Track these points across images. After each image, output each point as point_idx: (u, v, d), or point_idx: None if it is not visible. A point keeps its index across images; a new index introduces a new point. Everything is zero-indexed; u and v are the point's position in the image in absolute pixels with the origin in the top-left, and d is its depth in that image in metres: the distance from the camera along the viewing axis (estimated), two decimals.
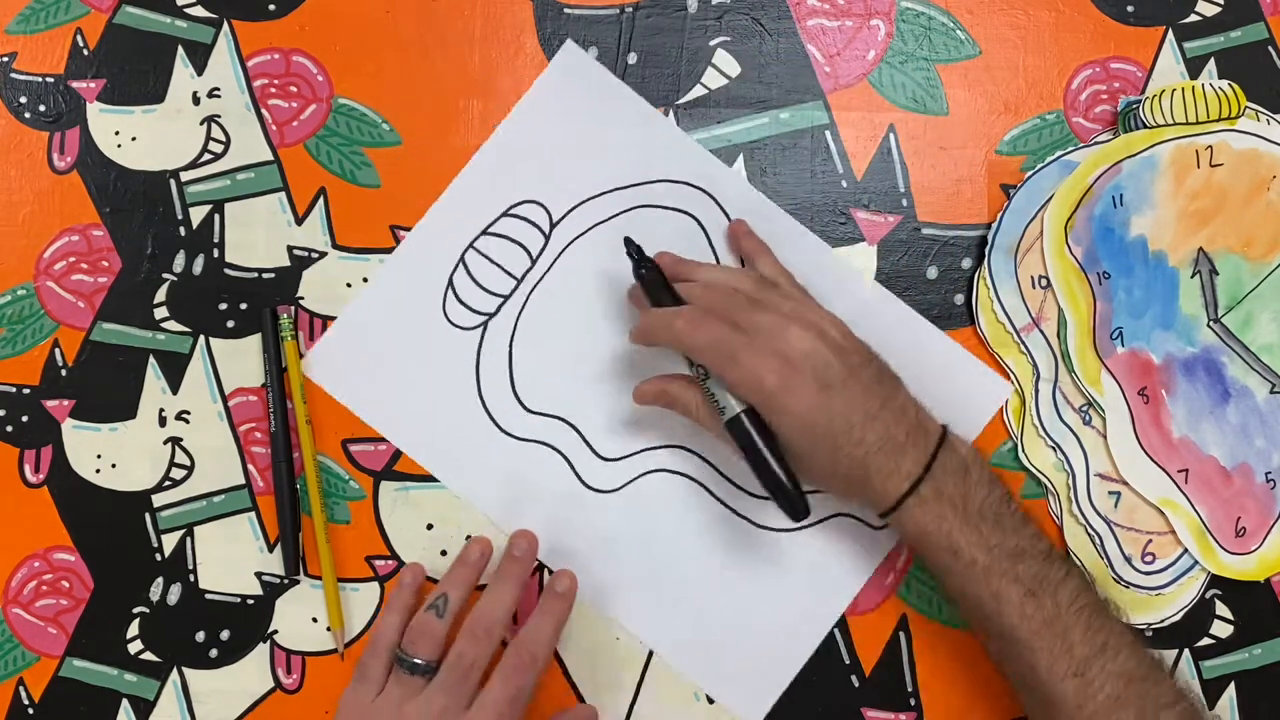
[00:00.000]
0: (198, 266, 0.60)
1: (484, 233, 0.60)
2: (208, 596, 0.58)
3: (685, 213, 0.60)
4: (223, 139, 0.61)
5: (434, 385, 0.59)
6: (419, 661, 0.52)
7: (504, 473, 0.58)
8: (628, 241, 0.55)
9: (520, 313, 0.59)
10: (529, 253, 0.60)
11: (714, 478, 0.58)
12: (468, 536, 0.58)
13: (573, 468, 0.59)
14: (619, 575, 0.58)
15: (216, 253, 0.60)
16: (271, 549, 0.59)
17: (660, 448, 0.59)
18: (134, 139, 0.61)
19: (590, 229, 0.60)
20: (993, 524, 0.50)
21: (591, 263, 0.60)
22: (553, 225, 0.60)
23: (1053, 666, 0.49)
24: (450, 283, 0.59)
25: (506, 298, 0.59)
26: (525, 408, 0.59)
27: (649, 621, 0.58)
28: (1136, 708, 0.48)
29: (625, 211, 0.60)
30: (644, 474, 0.59)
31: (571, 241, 0.60)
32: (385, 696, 0.52)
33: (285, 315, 0.59)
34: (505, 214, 0.60)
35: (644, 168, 0.60)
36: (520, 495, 0.58)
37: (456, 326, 0.59)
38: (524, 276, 0.60)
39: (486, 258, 0.60)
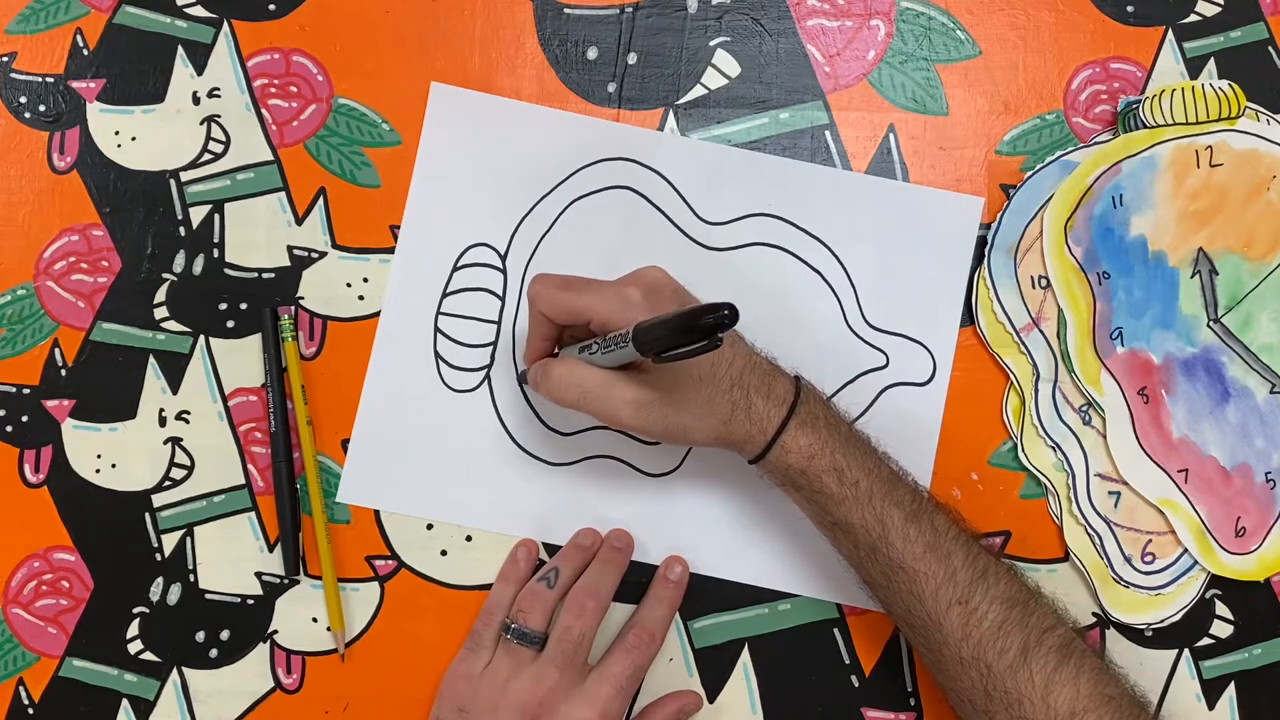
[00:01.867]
0: (198, 266, 0.60)
1: (445, 294, 0.60)
2: (208, 596, 0.58)
3: (618, 187, 0.60)
4: (223, 139, 0.61)
5: (471, 455, 0.59)
6: (529, 630, 0.53)
7: (571, 499, 0.59)
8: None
9: (513, 352, 0.59)
10: (495, 294, 0.60)
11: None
12: (468, 537, 0.58)
13: (628, 463, 0.59)
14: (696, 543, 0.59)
15: (216, 253, 0.60)
16: (271, 549, 0.59)
17: None
18: (134, 139, 0.61)
19: (538, 245, 0.60)
20: (865, 450, 0.51)
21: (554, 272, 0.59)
22: (503, 258, 0.60)
23: (938, 593, 0.49)
24: (437, 355, 0.59)
25: (495, 344, 0.60)
26: (562, 434, 0.59)
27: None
28: (1020, 633, 0.48)
29: (563, 212, 0.60)
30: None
31: (527, 265, 0.60)
32: (494, 668, 0.53)
33: (286, 316, 0.59)
34: (456, 268, 0.60)
35: (560, 163, 0.60)
36: (594, 509, 0.59)
37: (463, 392, 0.59)
38: (501, 318, 0.60)
39: (458, 316, 0.60)
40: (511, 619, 0.54)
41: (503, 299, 0.60)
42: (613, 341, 0.49)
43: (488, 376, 0.59)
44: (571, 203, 0.60)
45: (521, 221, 0.60)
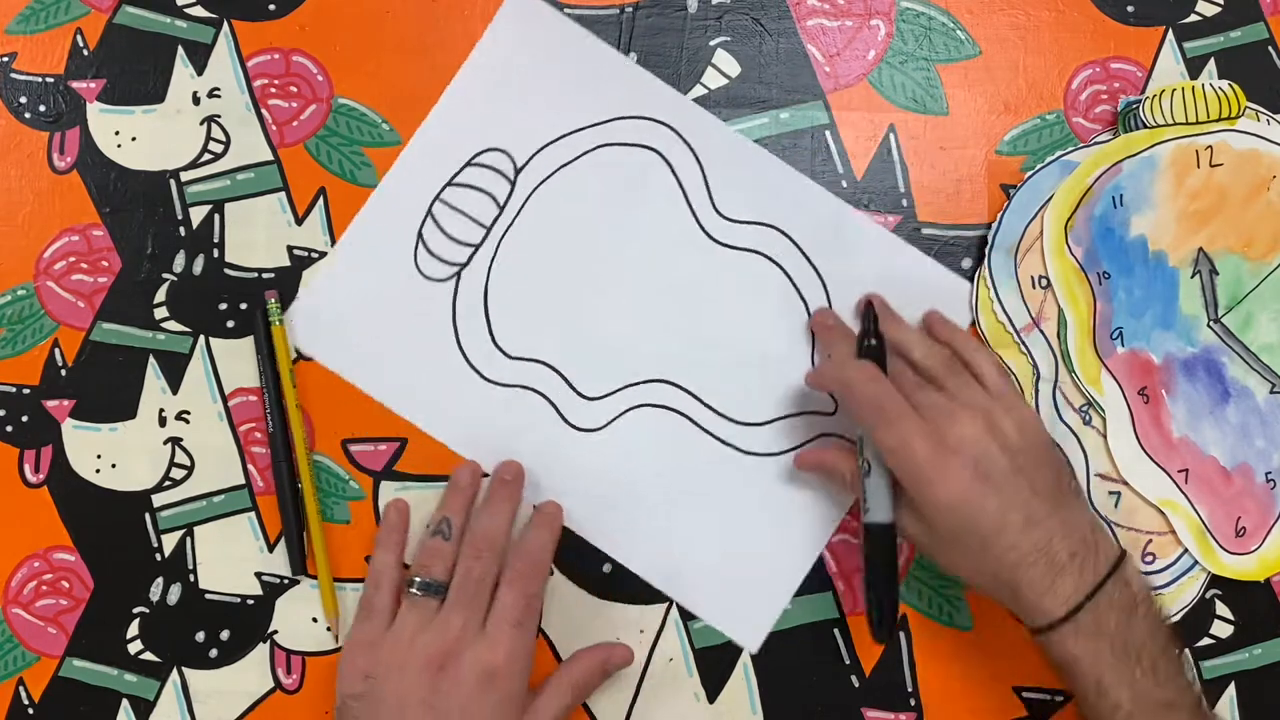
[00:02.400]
0: (198, 266, 0.60)
1: (449, 184, 0.60)
2: (208, 596, 0.58)
3: (648, 148, 0.60)
4: (223, 139, 0.61)
5: (412, 338, 0.59)
6: (436, 581, 0.53)
7: (489, 420, 0.59)
8: (867, 309, 0.55)
9: (493, 260, 0.59)
10: (496, 200, 0.60)
11: (696, 407, 0.59)
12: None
13: (557, 409, 0.59)
14: (609, 512, 0.58)
15: (216, 253, 0.60)
16: (271, 549, 0.59)
17: (641, 383, 0.59)
18: (134, 139, 0.61)
19: (555, 172, 0.60)
20: (1148, 669, 0.47)
21: (560, 206, 0.60)
22: (517, 171, 0.60)
23: None
24: (420, 235, 0.60)
25: (477, 247, 0.60)
26: (505, 354, 0.59)
27: (641, 555, 0.58)
28: None
29: (589, 152, 0.60)
30: (628, 410, 0.59)
31: (538, 186, 0.60)
32: (398, 627, 0.53)
33: (272, 300, 0.59)
34: (469, 164, 0.60)
35: (605, 106, 0.60)
36: (507, 441, 0.58)
37: (429, 279, 0.59)
38: (493, 225, 0.60)
39: (454, 208, 0.60)
40: (415, 573, 0.54)
41: (501, 208, 0.59)
42: (868, 498, 0.51)
43: (458, 275, 0.59)
44: (600, 146, 0.60)
45: (548, 145, 0.60)
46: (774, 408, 0.59)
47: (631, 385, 0.59)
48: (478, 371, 0.59)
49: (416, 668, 0.51)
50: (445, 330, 0.59)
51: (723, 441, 0.59)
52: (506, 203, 0.60)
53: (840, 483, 0.55)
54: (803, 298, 0.59)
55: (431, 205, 0.60)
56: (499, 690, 0.51)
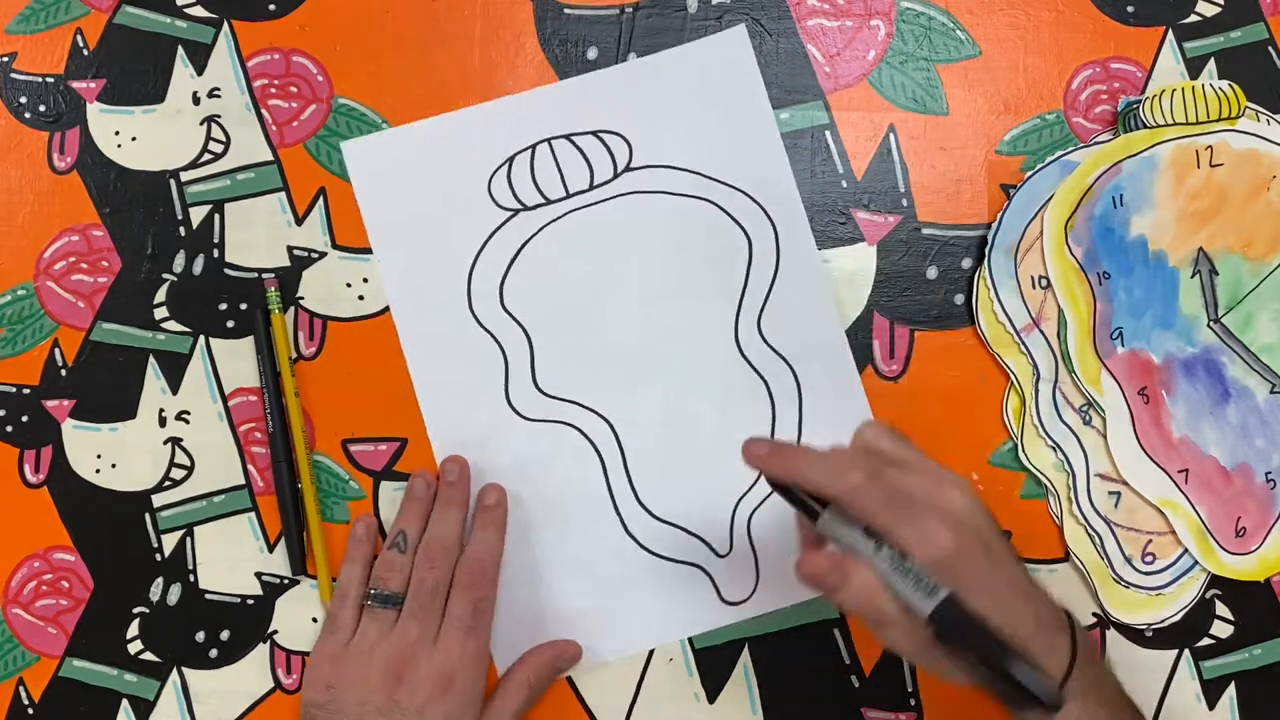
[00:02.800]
0: (198, 266, 0.60)
1: (567, 136, 0.60)
2: (208, 596, 0.58)
3: (743, 229, 0.60)
4: (223, 139, 0.61)
5: (441, 237, 0.60)
6: (390, 593, 0.54)
7: (461, 360, 0.59)
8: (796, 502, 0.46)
9: (549, 224, 0.60)
10: (592, 177, 0.60)
11: (618, 472, 0.59)
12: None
13: (506, 383, 0.59)
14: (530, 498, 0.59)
15: (216, 253, 0.60)
16: (271, 549, 0.59)
17: (588, 409, 0.59)
18: (134, 139, 0.61)
19: (654, 192, 0.60)
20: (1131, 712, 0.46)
21: (636, 219, 0.60)
22: (627, 168, 0.60)
23: None
24: (511, 159, 0.60)
25: (548, 203, 0.60)
26: (502, 303, 0.59)
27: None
28: None
29: (693, 198, 0.60)
30: (564, 423, 0.59)
31: (631, 192, 0.60)
32: (359, 639, 0.54)
33: (273, 290, 0.59)
34: (594, 132, 0.60)
35: (732, 169, 0.60)
36: (461, 387, 0.59)
37: (492, 199, 0.60)
38: (573, 195, 0.60)
39: (555, 159, 0.60)
40: (372, 586, 0.55)
41: (592, 187, 0.60)
42: (914, 587, 0.42)
43: (515, 215, 0.60)
44: (709, 200, 0.60)
45: (667, 167, 0.60)
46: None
47: (580, 406, 0.59)
48: (471, 306, 0.59)
49: (375, 677, 0.52)
50: (470, 252, 0.60)
51: (618, 512, 0.58)
52: (597, 186, 0.60)
53: (861, 597, 0.44)
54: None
55: (540, 143, 0.60)
56: (455, 695, 0.52)
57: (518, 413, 0.59)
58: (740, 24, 0.61)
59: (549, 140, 0.60)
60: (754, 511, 0.58)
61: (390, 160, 0.60)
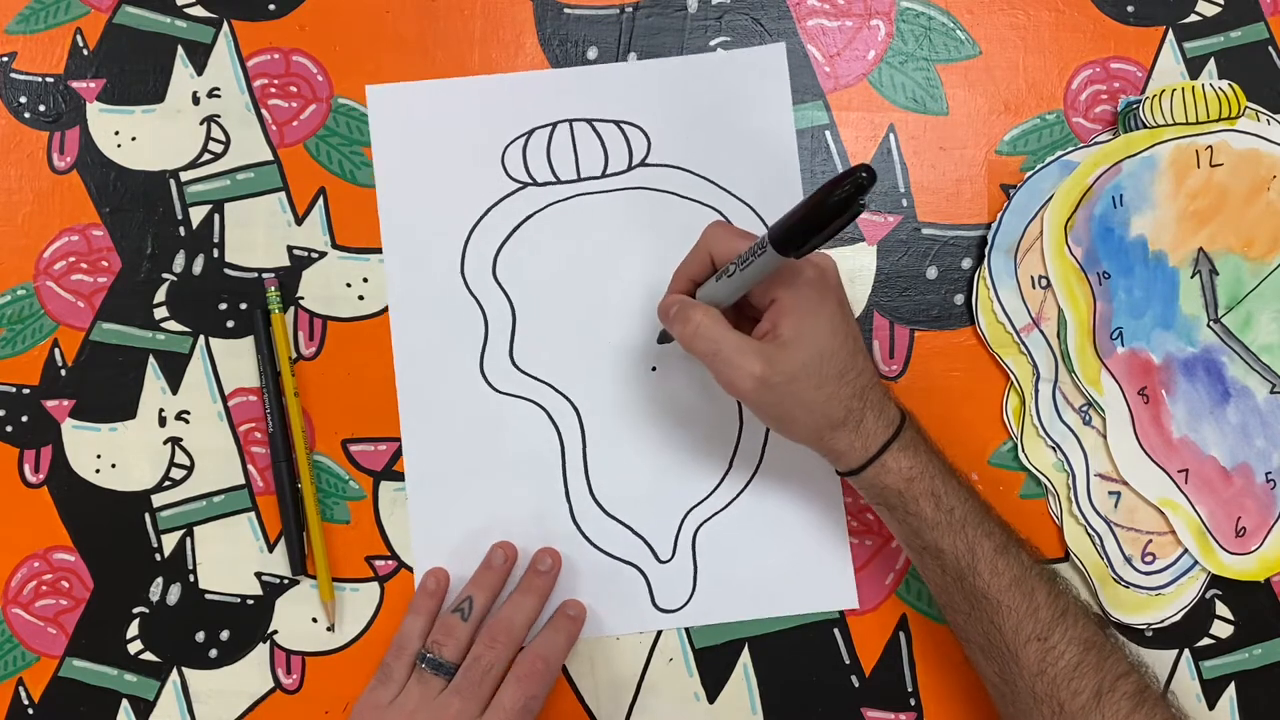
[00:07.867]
0: (198, 266, 0.60)
1: (590, 120, 0.60)
2: (208, 596, 0.58)
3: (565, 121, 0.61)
4: (223, 139, 0.61)
5: (447, 195, 0.60)
6: (444, 661, 0.53)
7: (443, 319, 0.59)
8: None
9: (555, 203, 0.60)
10: (606, 165, 0.60)
11: (576, 462, 0.59)
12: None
13: (483, 352, 0.59)
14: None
15: (216, 253, 0.60)
16: (271, 549, 0.59)
17: (558, 392, 0.59)
18: (134, 139, 0.61)
19: (664, 191, 0.60)
20: (959, 480, 0.51)
21: (641, 215, 0.60)
22: (642, 162, 0.60)
23: (1019, 628, 0.49)
24: (530, 133, 0.60)
25: (558, 183, 0.60)
26: (494, 272, 0.60)
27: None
28: (1094, 675, 0.48)
29: (702, 204, 0.60)
30: (532, 400, 0.59)
31: (641, 187, 0.60)
32: (403, 699, 0.53)
33: (273, 289, 0.59)
34: (617, 121, 0.60)
35: (744, 183, 0.60)
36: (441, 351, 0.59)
37: (504, 169, 0.60)
38: (585, 180, 0.60)
39: (573, 140, 0.60)
40: (427, 649, 0.54)
41: (604, 175, 0.60)
42: (750, 252, 0.48)
43: (522, 188, 0.60)
44: (718, 210, 0.60)
45: (681, 169, 0.60)
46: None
47: (550, 387, 0.59)
48: (463, 272, 0.59)
49: None
50: (473, 215, 0.60)
51: (569, 498, 0.58)
52: (609, 175, 0.60)
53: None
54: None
55: (562, 122, 0.60)
56: None
57: (489, 382, 0.59)
58: (780, 42, 0.61)
59: (570, 121, 0.60)
60: (702, 524, 0.58)
61: (411, 111, 0.60)
